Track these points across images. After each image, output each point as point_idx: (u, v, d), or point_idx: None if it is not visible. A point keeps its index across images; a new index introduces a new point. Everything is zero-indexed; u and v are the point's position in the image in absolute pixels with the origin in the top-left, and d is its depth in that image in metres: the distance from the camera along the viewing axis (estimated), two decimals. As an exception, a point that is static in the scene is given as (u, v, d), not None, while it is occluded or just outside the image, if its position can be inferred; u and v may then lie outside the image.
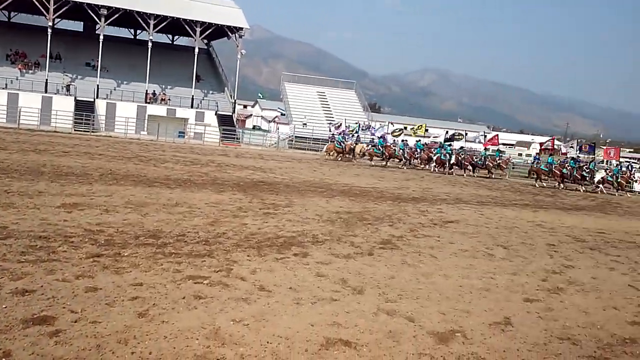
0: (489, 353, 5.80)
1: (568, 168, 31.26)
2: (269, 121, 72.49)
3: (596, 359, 5.98)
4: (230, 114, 47.23)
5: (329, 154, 36.76)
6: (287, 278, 7.60)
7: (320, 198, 16.01)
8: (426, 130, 44.29)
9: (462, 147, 38.36)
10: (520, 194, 24.74)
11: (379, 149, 34.95)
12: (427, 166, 34.94)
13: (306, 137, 44.11)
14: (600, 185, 30.46)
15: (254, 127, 68.91)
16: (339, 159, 35.96)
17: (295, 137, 45.01)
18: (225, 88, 50.31)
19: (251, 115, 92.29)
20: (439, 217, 14.56)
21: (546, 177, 31.90)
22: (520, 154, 59.27)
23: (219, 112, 46.56)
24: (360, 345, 5.57)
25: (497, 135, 45.51)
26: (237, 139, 43.70)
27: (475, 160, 35.07)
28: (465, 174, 33.55)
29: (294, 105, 49.85)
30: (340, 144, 36.89)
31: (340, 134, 40.44)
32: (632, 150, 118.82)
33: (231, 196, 14.73)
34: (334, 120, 45.40)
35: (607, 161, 43.22)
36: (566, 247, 12.16)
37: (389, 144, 36.36)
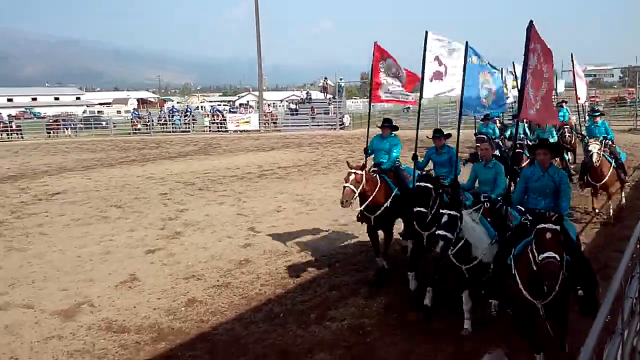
0: (120, 313, 5.72)
1: None
2: None
3: (220, 286, 6.47)
4: None
5: None
6: None
7: None
8: None
9: None
10: (125, 151, 24.56)
11: None
12: None
13: None
14: None
15: None
16: None
17: None
18: None
19: None
20: (43, 191, 13.35)
21: None
22: (119, 112, 58.42)
23: None
24: (-29, 354, 4.88)
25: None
26: None
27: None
28: None
29: None
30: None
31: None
32: (221, 94, 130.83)
33: None
34: None
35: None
36: (178, 193, 12.73)
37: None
